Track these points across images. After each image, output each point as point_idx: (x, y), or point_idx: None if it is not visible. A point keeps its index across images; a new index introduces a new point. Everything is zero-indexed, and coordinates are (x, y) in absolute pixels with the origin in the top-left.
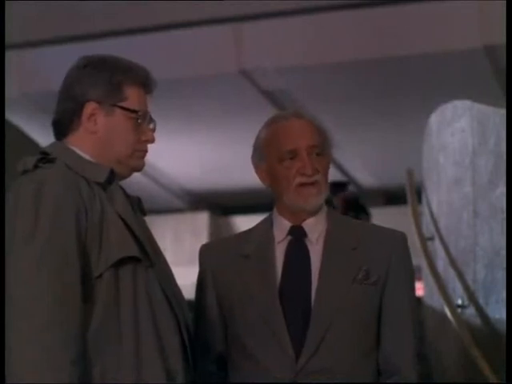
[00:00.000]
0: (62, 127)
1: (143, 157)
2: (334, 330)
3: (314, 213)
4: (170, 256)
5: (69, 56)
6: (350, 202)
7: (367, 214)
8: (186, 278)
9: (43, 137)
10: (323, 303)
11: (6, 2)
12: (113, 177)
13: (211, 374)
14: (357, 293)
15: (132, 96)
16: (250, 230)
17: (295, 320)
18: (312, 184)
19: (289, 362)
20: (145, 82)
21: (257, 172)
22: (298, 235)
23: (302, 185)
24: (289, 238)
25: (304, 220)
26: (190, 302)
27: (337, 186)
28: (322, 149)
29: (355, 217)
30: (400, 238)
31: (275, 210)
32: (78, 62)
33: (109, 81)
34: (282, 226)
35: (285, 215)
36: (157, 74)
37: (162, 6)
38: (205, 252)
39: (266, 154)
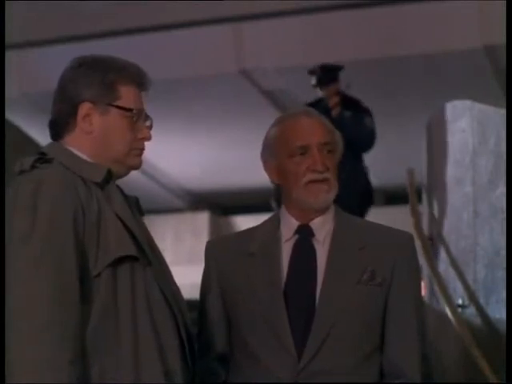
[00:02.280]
0: (58, 128)
1: (140, 155)
2: (336, 331)
3: (322, 211)
4: (170, 256)
5: (69, 56)
6: (348, 98)
7: (369, 114)
8: (186, 277)
9: (43, 137)
10: (327, 304)
11: (6, 2)
12: (110, 176)
13: (212, 371)
14: (362, 294)
15: (126, 94)
16: (256, 228)
17: (298, 320)
18: (322, 181)
19: (291, 362)
20: (139, 80)
21: (266, 169)
22: (305, 234)
23: (312, 182)
24: (296, 236)
25: (312, 219)
26: (189, 302)
27: (327, 72)
28: (332, 146)
29: (354, 116)
30: (406, 240)
31: (283, 208)
32: (71, 63)
33: (103, 80)
34: (289, 225)
35: (293, 213)
36: (157, 74)
37: (161, 5)
38: (210, 249)
39: (276, 150)
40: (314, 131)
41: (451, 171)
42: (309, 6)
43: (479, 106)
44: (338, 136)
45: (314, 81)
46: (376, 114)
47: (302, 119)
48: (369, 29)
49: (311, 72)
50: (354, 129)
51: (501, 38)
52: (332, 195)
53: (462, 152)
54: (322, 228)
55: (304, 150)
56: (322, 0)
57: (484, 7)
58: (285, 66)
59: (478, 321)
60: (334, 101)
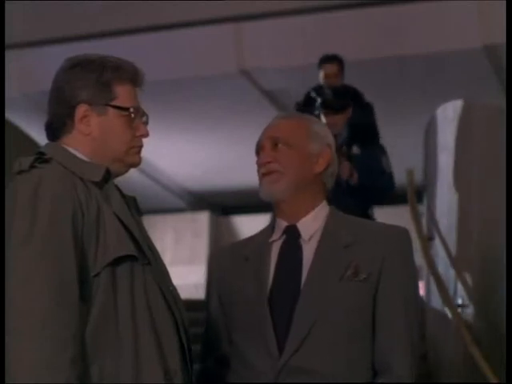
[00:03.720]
0: (55, 129)
1: (139, 152)
2: (319, 328)
3: (300, 210)
4: (170, 256)
5: (69, 56)
6: (358, 129)
7: (384, 150)
8: (186, 277)
9: (43, 137)
10: (308, 302)
11: (6, 2)
12: (109, 176)
13: (209, 373)
14: (345, 290)
15: (122, 93)
16: (254, 234)
17: (282, 319)
18: (267, 174)
19: (273, 359)
20: (133, 78)
21: None
22: (291, 234)
23: (262, 176)
24: (283, 237)
25: (299, 219)
26: (189, 302)
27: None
28: (289, 141)
29: (367, 157)
30: (399, 235)
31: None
32: (65, 64)
33: (98, 81)
34: (279, 226)
35: (281, 215)
36: (157, 75)
37: (162, 6)
38: (213, 257)
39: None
40: (269, 128)
41: (451, 171)
42: (309, 5)
43: (479, 106)
44: (306, 133)
45: (319, 100)
46: (377, 113)
47: (274, 121)
48: (369, 29)
49: (317, 92)
50: (368, 175)
51: (501, 38)
52: (281, 185)
53: (462, 152)
54: (309, 227)
55: (261, 148)
56: (323, 0)
57: (484, 7)
58: (285, 65)
59: (478, 321)
60: (346, 171)
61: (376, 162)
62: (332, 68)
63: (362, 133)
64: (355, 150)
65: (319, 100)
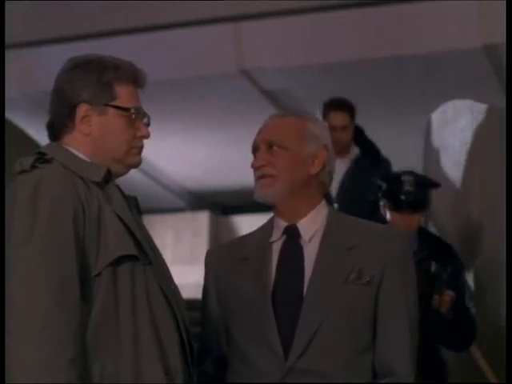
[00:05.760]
0: (56, 129)
1: (140, 153)
2: (323, 331)
3: (283, 205)
4: (170, 255)
5: (69, 56)
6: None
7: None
8: (187, 277)
9: (43, 136)
10: (313, 304)
11: (6, 2)
12: (110, 176)
13: (207, 374)
14: (348, 293)
15: (123, 94)
16: (252, 233)
17: (286, 320)
18: (262, 178)
19: (278, 361)
20: (134, 78)
21: None
22: (291, 235)
23: (257, 179)
24: (284, 237)
25: (299, 219)
26: (189, 301)
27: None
28: (284, 144)
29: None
30: (399, 237)
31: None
32: (66, 64)
33: (98, 81)
34: (278, 226)
35: (280, 215)
36: (157, 75)
37: (161, 5)
38: (209, 256)
39: None
40: (265, 129)
41: (451, 171)
42: (309, 5)
43: (479, 106)
44: (301, 134)
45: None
46: (376, 114)
47: (269, 120)
48: (369, 29)
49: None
50: (457, 306)
51: (500, 38)
52: (274, 189)
53: (462, 152)
54: (309, 228)
55: (256, 150)
56: (322, 0)
57: (484, 7)
58: (285, 65)
59: (477, 321)
60: (447, 304)
61: (466, 287)
62: (341, 119)
63: (437, 240)
64: (435, 267)
65: (384, 186)
